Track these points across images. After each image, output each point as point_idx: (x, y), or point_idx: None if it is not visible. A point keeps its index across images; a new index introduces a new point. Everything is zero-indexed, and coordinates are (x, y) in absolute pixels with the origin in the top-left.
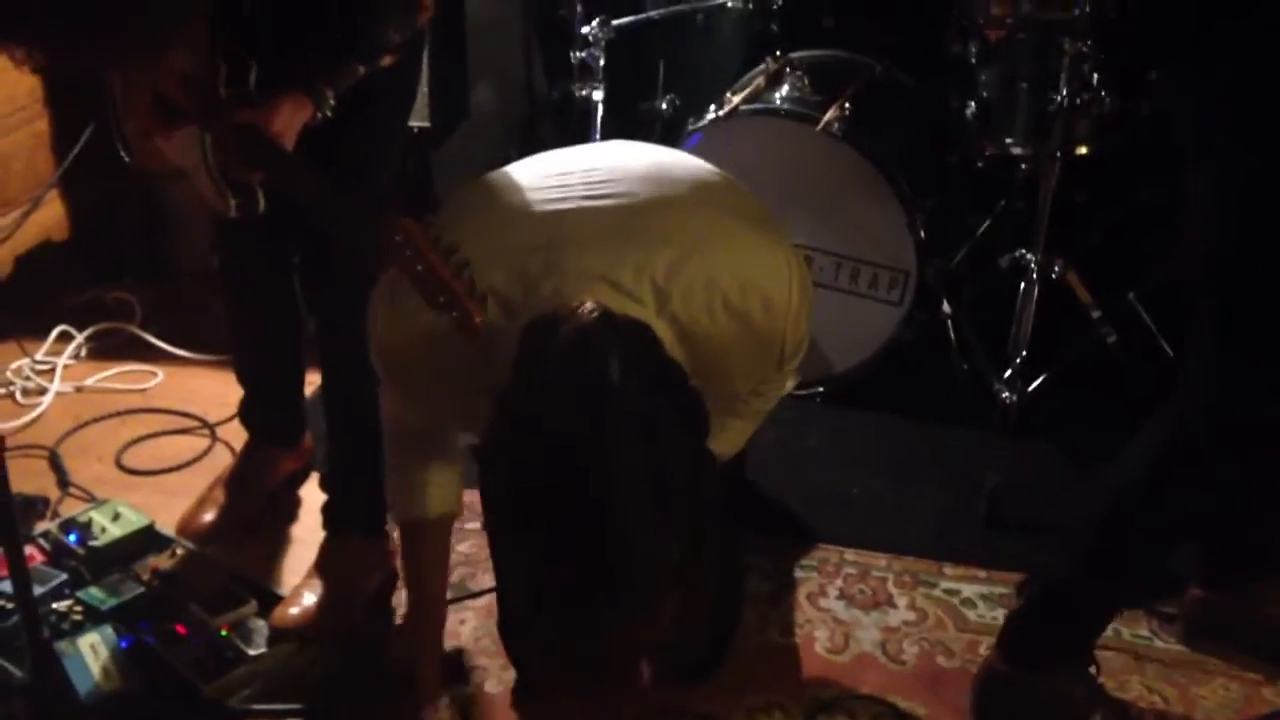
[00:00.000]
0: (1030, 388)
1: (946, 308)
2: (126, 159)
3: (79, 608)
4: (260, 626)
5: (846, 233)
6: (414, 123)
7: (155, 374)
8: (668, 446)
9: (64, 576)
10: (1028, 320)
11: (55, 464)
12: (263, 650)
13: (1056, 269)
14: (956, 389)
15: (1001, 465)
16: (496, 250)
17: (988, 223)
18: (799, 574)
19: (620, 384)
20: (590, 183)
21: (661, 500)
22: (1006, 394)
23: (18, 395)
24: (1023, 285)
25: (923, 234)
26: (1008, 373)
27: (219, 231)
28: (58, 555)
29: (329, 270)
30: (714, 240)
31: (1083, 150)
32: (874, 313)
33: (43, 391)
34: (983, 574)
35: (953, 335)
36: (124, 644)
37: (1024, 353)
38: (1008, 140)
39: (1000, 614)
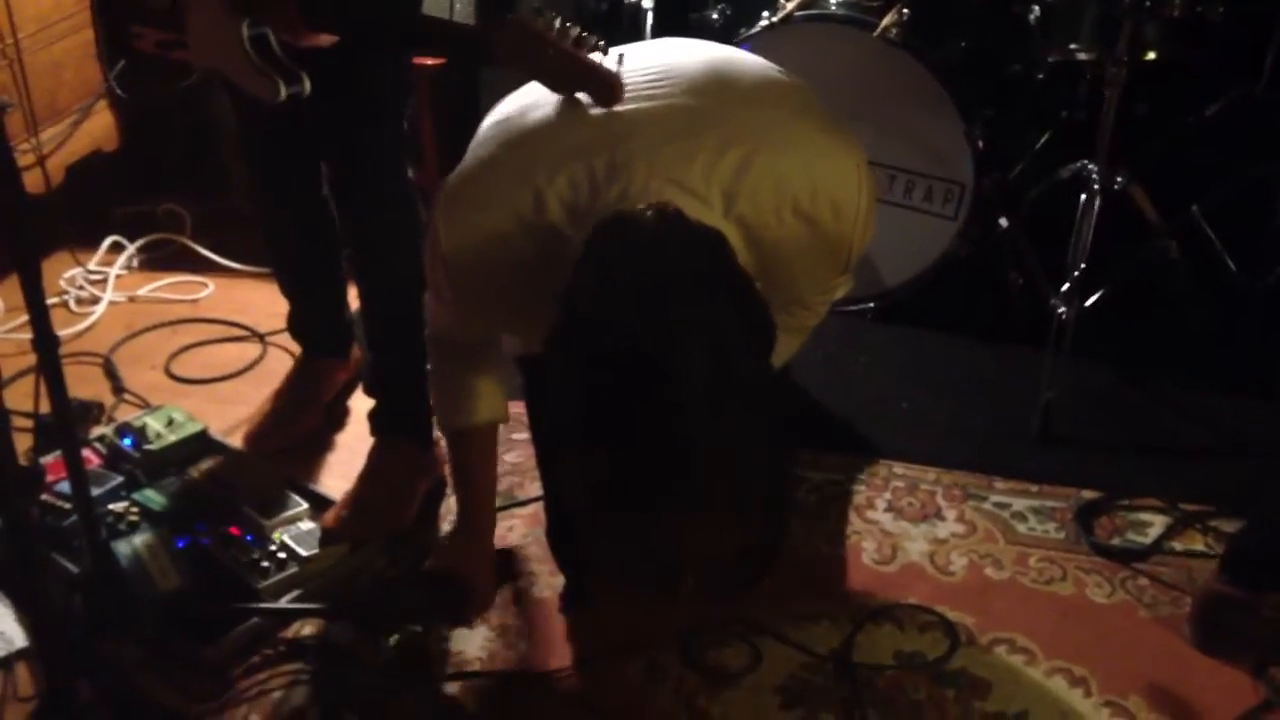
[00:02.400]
0: (1088, 303)
1: (1003, 222)
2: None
3: (135, 509)
4: (312, 529)
5: (902, 144)
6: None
7: (206, 285)
8: (733, 354)
9: (120, 479)
10: (1087, 233)
11: (109, 371)
12: (314, 552)
13: (1119, 181)
14: (1012, 305)
15: (1056, 382)
16: (557, 155)
17: (1048, 135)
18: (847, 487)
19: (691, 289)
20: (649, 80)
21: (726, 405)
22: (1063, 309)
23: (71, 304)
24: (1083, 197)
25: (981, 145)
26: (1065, 287)
27: (243, 151)
28: (113, 459)
29: (358, 189)
30: (782, 141)
31: (1150, 56)
32: (928, 227)
33: (96, 301)
34: (1034, 488)
35: (1009, 250)
36: (179, 544)
37: (1082, 267)
38: (1072, 45)
39: (1052, 528)
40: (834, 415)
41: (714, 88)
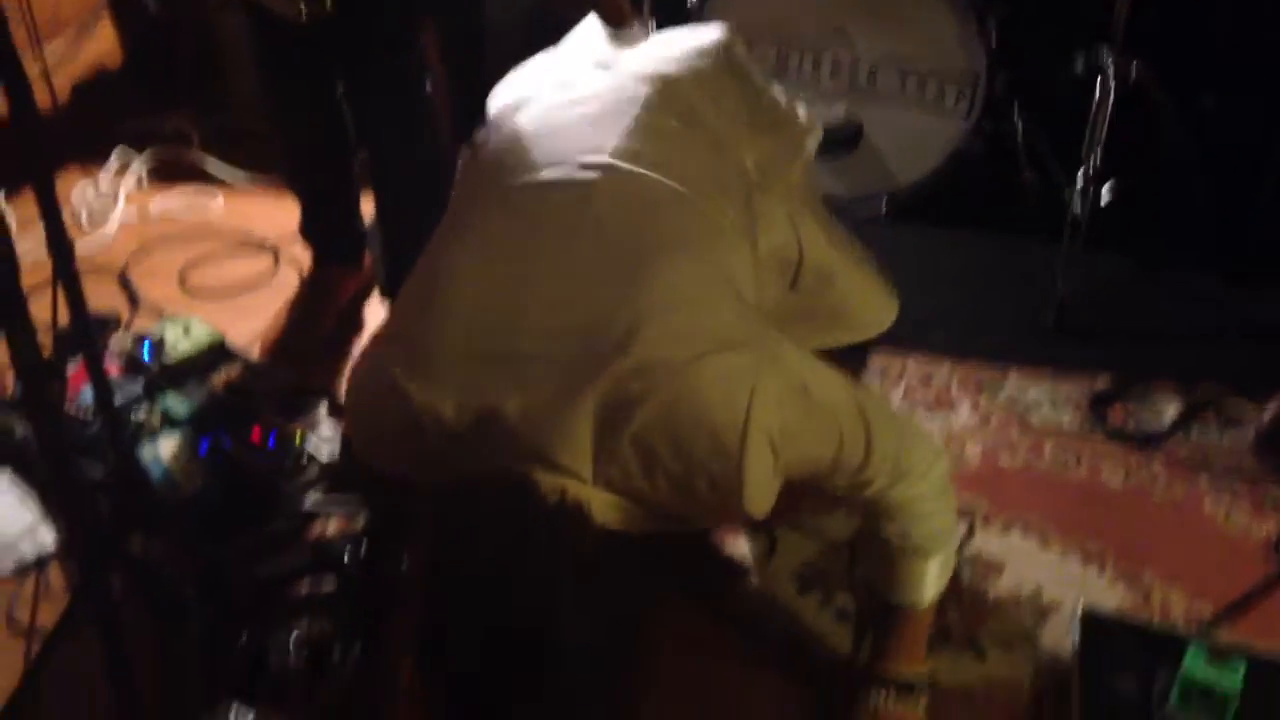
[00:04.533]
0: (1103, 197)
1: (1017, 117)
2: None
3: (156, 416)
4: (332, 431)
5: (913, 42)
6: None
7: (216, 198)
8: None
9: (140, 387)
10: (1102, 125)
11: (125, 284)
12: (334, 456)
13: (1134, 71)
14: (1026, 200)
15: (1071, 274)
16: (449, 366)
17: (1061, 29)
18: (862, 380)
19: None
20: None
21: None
22: (1078, 203)
23: (83, 220)
24: (1098, 89)
25: (993, 41)
26: (1079, 181)
27: (258, 63)
28: (133, 368)
29: (375, 95)
30: (660, 378)
31: None
32: (941, 125)
33: (106, 217)
34: (1049, 378)
35: (1022, 145)
36: (201, 449)
37: (1097, 160)
38: None
39: (1067, 417)
40: None
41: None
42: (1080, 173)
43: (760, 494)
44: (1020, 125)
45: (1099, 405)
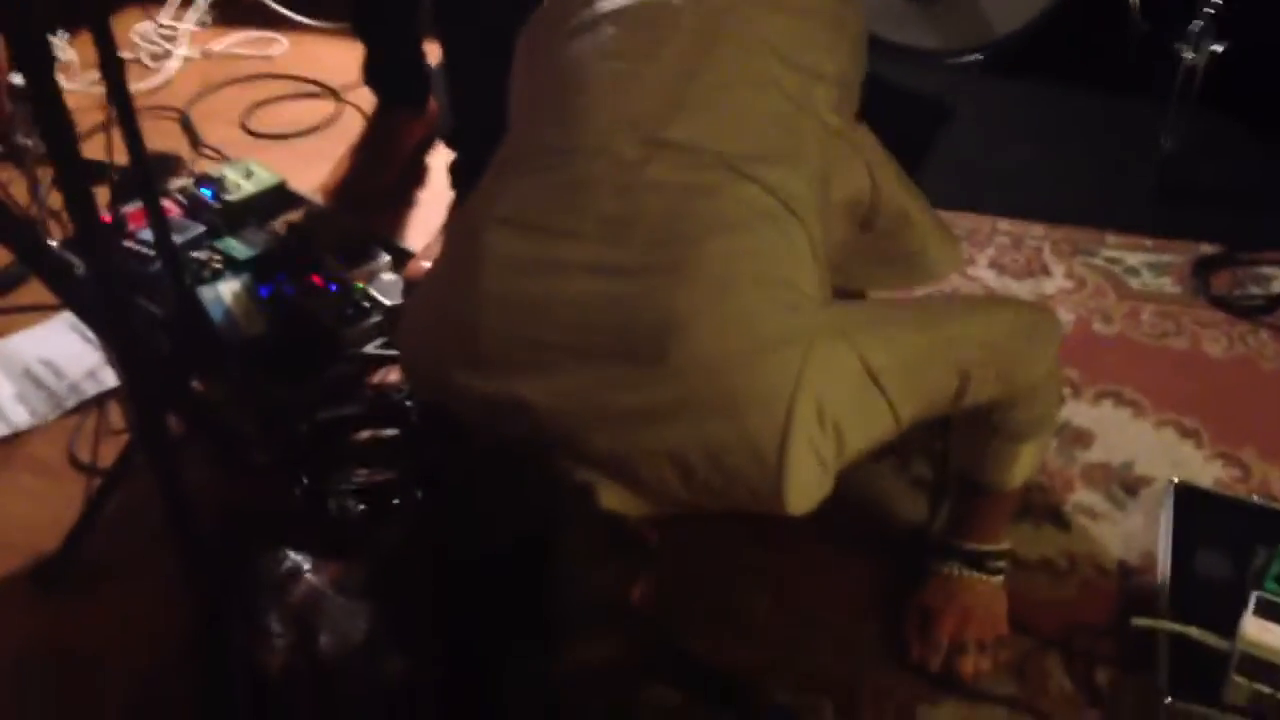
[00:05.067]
0: (1217, 49)
1: None
2: None
3: (218, 257)
4: (394, 280)
5: None
6: None
7: (280, 41)
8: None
9: (202, 228)
10: None
11: (186, 125)
12: (398, 302)
13: None
14: (1133, 52)
15: (1177, 134)
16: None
17: None
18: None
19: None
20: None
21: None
22: (1189, 55)
23: (145, 59)
24: None
25: None
26: (1194, 30)
27: None
28: (194, 209)
29: None
30: (695, 385)
31: None
32: None
33: (168, 56)
34: (1150, 243)
35: None
36: (262, 292)
37: (1213, 10)
38: None
39: (1167, 283)
40: (936, 169)
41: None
42: (1194, 21)
43: (805, 498)
44: None
45: (1202, 271)
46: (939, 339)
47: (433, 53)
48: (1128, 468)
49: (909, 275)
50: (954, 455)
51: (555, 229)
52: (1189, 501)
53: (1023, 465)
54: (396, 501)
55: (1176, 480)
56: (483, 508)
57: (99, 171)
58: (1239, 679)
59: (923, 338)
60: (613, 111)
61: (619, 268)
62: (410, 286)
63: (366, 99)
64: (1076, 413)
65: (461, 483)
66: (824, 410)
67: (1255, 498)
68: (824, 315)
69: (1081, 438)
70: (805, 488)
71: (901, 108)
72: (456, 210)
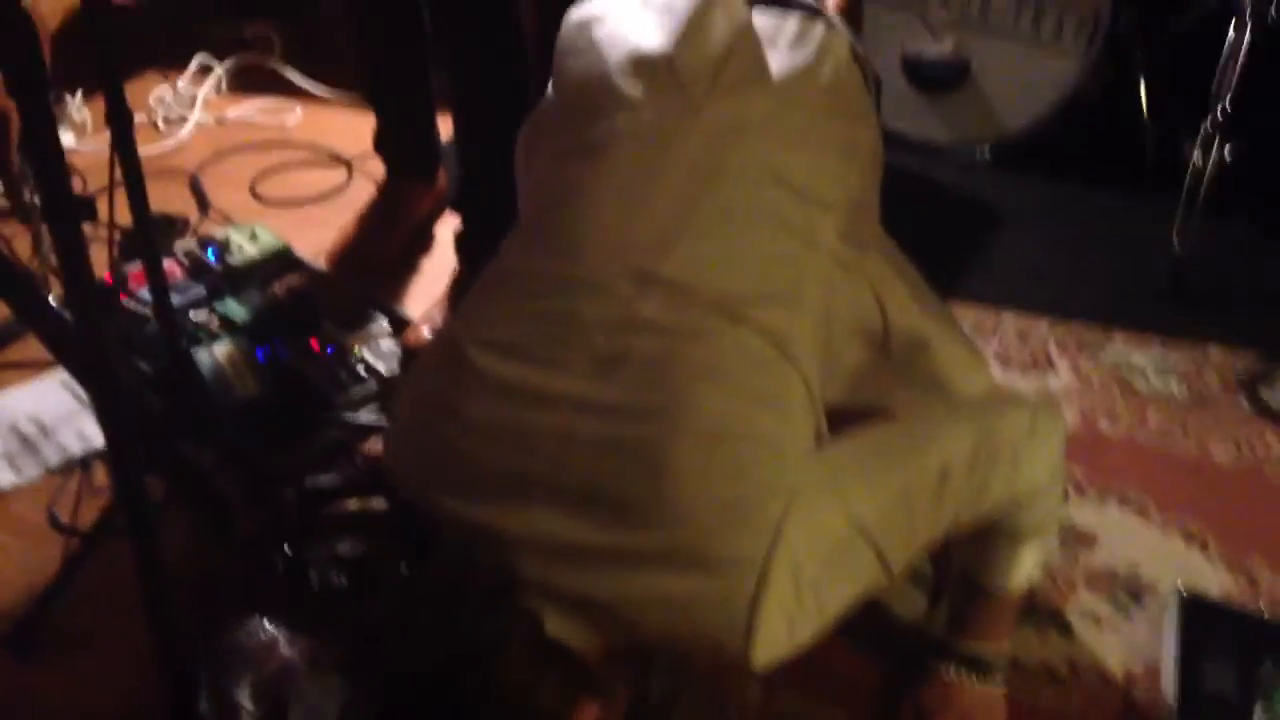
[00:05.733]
0: (1228, 152)
1: (1139, 58)
2: None
3: (216, 319)
4: (392, 347)
5: None
6: None
7: (294, 109)
8: None
9: (202, 290)
10: (1233, 71)
11: (195, 189)
12: (394, 370)
13: (1275, 11)
14: (1142, 153)
15: (1189, 235)
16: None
17: None
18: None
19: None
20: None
21: None
22: (1200, 157)
23: (159, 123)
24: (1232, 29)
25: None
26: (1203, 133)
27: None
28: (196, 270)
29: (460, 9)
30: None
31: None
32: (1056, 64)
33: (183, 120)
34: (1158, 343)
35: (1144, 92)
36: (259, 355)
37: (1226, 110)
38: None
39: (1175, 386)
40: (937, 259)
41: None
42: (1205, 123)
43: (771, 656)
44: (1143, 67)
45: (1248, 382)
46: (930, 470)
47: (445, 126)
48: (1133, 572)
49: (931, 399)
50: (955, 553)
51: (544, 360)
52: (1195, 613)
53: (1024, 566)
54: (376, 577)
55: (1183, 591)
56: (421, 621)
57: (88, 212)
58: None
59: (915, 474)
60: (610, 243)
61: (605, 407)
62: (409, 354)
63: (378, 169)
64: (1081, 513)
65: (405, 597)
66: (801, 572)
67: (1263, 610)
68: (810, 469)
69: (1085, 539)
70: (773, 647)
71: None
72: (453, 296)
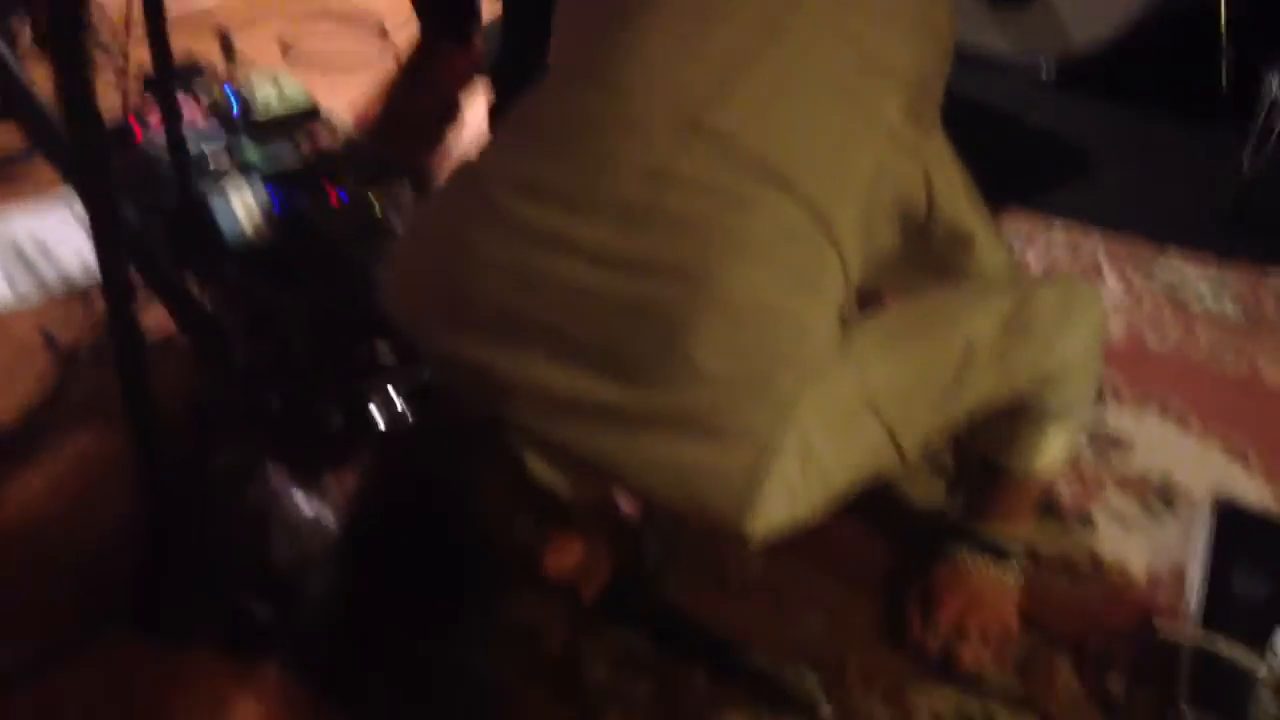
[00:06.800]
0: None
1: None
2: None
3: (235, 165)
4: (411, 201)
5: None
6: None
7: None
8: None
9: (223, 136)
10: None
11: (224, 42)
12: None
13: None
14: (1217, 77)
15: (1258, 161)
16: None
17: None
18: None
19: None
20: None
21: None
22: (1276, 85)
23: None
24: None
25: None
26: None
27: None
28: (219, 117)
29: None
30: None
31: None
32: None
33: None
34: (1215, 265)
35: (1223, 11)
36: (274, 201)
37: None
38: None
39: (1230, 308)
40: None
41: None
42: None
43: (767, 530)
44: None
45: None
46: (954, 348)
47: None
48: (1167, 479)
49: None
50: (977, 435)
51: (569, 204)
52: (1231, 519)
53: (1049, 451)
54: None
55: (1220, 496)
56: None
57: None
58: (1268, 699)
59: (938, 352)
60: (659, 84)
61: (626, 261)
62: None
63: (414, 33)
64: (1118, 419)
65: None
66: (810, 449)
67: None
68: (831, 348)
69: (1120, 443)
70: (771, 521)
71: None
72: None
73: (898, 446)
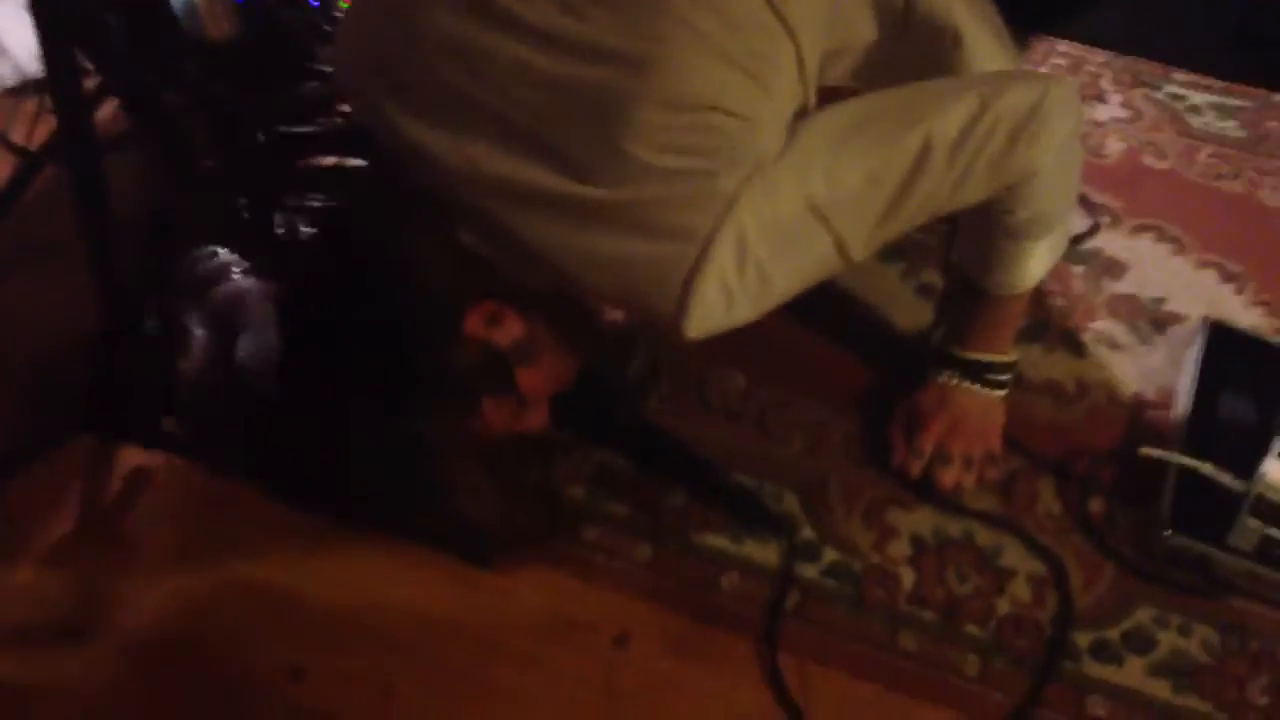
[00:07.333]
0: None
1: None
2: None
3: None
4: None
5: None
6: None
7: None
8: None
9: None
10: None
11: None
12: None
13: None
14: None
15: None
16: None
17: None
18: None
19: None
20: None
21: None
22: None
23: None
24: None
25: None
26: None
27: None
28: None
29: None
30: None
31: None
32: None
33: None
34: (1219, 84)
35: None
36: None
37: None
38: None
39: (1232, 125)
40: None
41: None
42: None
43: (703, 328)
44: None
45: None
46: (910, 149)
47: None
48: (1158, 303)
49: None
50: (956, 253)
51: None
52: (1221, 340)
53: (1029, 268)
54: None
55: (1211, 317)
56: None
57: None
58: (1252, 522)
59: (891, 153)
60: None
61: (573, 45)
62: None
63: None
64: (1111, 242)
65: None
66: (746, 249)
67: None
68: (777, 144)
69: (1113, 268)
70: (706, 320)
71: None
72: None
73: (842, 251)
